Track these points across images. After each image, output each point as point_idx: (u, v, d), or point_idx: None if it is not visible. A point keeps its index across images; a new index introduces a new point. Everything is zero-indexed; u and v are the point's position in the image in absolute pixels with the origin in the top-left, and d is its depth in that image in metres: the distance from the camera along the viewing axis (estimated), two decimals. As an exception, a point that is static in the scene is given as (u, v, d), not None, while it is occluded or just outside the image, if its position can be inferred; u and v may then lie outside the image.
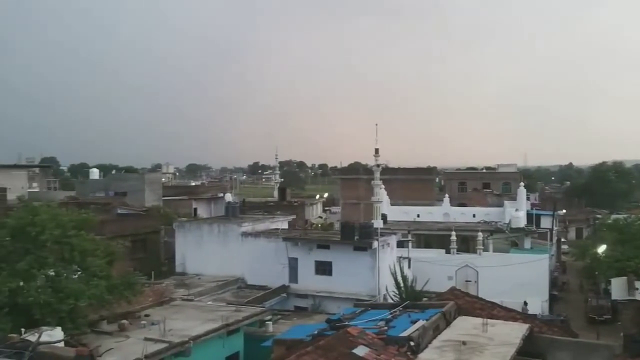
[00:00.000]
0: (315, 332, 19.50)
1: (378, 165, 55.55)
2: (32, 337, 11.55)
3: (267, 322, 27.70)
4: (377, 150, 54.98)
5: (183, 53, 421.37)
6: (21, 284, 20.60)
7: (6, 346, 6.85)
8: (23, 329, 17.32)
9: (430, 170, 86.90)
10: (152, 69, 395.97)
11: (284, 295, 37.67)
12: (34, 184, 70.85)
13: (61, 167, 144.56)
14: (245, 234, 40.88)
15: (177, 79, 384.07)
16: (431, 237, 57.42)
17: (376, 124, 53.35)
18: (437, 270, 42.52)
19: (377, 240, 36.54)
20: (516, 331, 19.33)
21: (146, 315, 25.03)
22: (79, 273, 23.44)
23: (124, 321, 23.34)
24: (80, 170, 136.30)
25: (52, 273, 22.05)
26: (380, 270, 36.04)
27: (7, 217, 24.18)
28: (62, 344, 16.59)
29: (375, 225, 41.35)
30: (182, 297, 30.54)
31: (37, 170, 78.87)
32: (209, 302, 30.63)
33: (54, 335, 17.21)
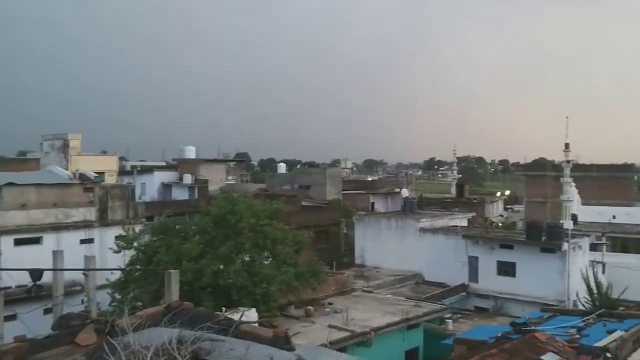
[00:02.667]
0: (499, 334, 18.73)
1: (568, 161, 51.35)
2: (232, 316, 12.62)
3: (446, 320, 27.32)
4: (567, 145, 50.85)
5: (360, 52, 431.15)
6: (221, 267, 22.74)
7: (213, 322, 7.52)
8: (224, 308, 19.11)
9: (628, 167, 78.20)
10: (331, 69, 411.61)
11: (464, 294, 36.79)
12: (230, 177, 77.51)
13: (252, 162, 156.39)
14: (423, 230, 40.66)
15: (355, 78, 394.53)
16: (629, 241, 51.77)
17: (566, 117, 49.44)
18: (636, 277, 38.26)
19: (568, 242, 33.98)
20: None
21: (330, 304, 26.11)
22: (270, 259, 25.25)
23: (310, 307, 24.59)
24: (269, 164, 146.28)
25: (248, 258, 24.01)
26: (570, 274, 33.46)
27: (211, 206, 26.87)
28: (256, 325, 17.98)
29: (565, 226, 38.43)
30: (362, 288, 31.34)
31: (232, 164, 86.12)
32: (388, 295, 31.05)
33: (250, 315, 18.71)
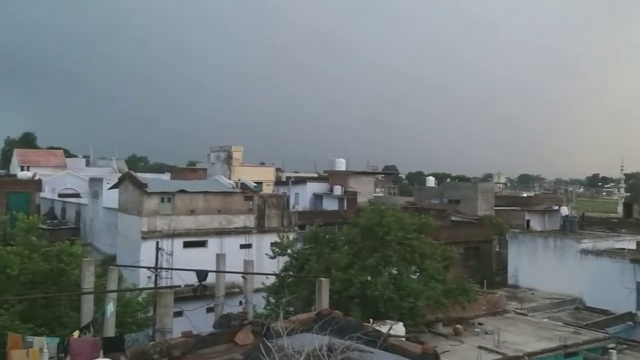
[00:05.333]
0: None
1: None
2: (380, 329, 12.74)
3: (610, 350, 24.97)
4: None
5: (514, 61, 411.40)
6: (369, 278, 22.99)
7: (362, 333, 7.65)
8: (371, 320, 19.30)
9: None
10: (478, 77, 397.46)
11: (630, 323, 33.32)
12: (378, 189, 78.10)
13: (400, 175, 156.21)
14: (584, 252, 37.65)
15: (507, 89, 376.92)
16: None
17: None
18: None
19: None
20: None
21: (480, 324, 25.22)
22: (417, 274, 25.03)
23: (459, 326, 23.94)
24: (417, 178, 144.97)
25: (395, 271, 24.03)
26: None
27: (359, 218, 27.34)
28: (404, 339, 17.92)
29: None
30: (516, 310, 29.81)
31: (380, 177, 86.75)
32: (544, 320, 29.19)
33: (397, 329, 18.71)
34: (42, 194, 49.07)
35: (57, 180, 57.60)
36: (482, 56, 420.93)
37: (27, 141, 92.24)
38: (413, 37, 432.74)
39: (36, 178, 49.91)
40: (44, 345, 12.69)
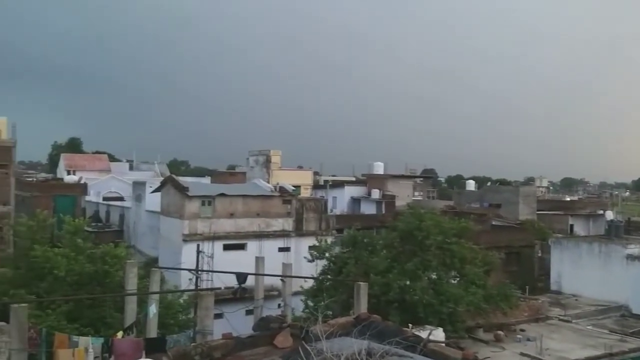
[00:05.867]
0: None
1: None
2: (419, 334, 12.64)
3: (659, 360, 24.16)
4: None
5: (558, 61, 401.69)
6: (408, 282, 22.83)
7: (401, 338, 7.62)
8: (410, 325, 19.15)
9: None
10: (522, 81, 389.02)
11: (680, 331, 32.16)
12: (416, 193, 77.46)
13: (439, 178, 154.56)
14: (630, 257, 36.54)
15: (550, 90, 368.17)
16: None
17: None
18: None
19: None
20: None
21: (522, 330, 24.76)
22: (457, 279, 24.73)
23: (500, 332, 23.55)
24: (456, 181, 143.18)
25: (434, 276, 23.79)
26: None
27: (397, 222, 27.19)
28: (444, 345, 17.73)
29: None
30: (559, 316, 29.12)
31: (419, 180, 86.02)
32: (588, 327, 28.42)
33: (437, 335, 18.49)
34: (87, 198, 50.53)
35: (101, 184, 59.16)
36: (523, 55, 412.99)
37: (73, 146, 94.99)
38: (451, 37, 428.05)
39: (82, 182, 51.41)
40: (89, 345, 13.00)
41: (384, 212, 53.03)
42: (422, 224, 24.32)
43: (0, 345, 4.23)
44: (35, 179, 58.48)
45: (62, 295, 19.67)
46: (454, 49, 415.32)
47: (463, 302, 22.18)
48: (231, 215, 34.38)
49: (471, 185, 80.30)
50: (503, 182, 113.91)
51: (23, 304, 12.34)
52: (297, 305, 23.63)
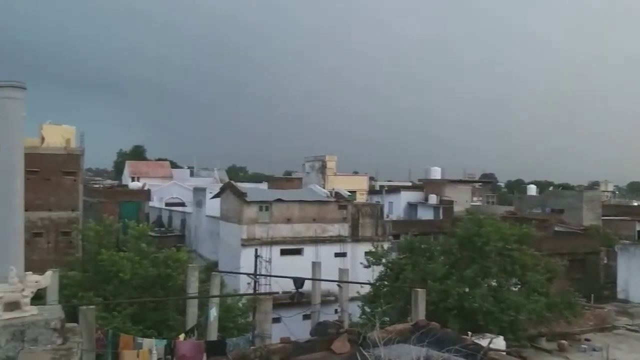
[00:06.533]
0: None
1: None
2: (479, 342, 12.44)
3: None
4: None
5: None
6: (467, 289, 22.44)
7: (461, 346, 7.51)
8: (469, 332, 18.80)
9: None
10: (580, 75, 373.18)
11: None
12: (475, 198, 76.02)
13: (498, 183, 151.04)
14: None
15: (613, 88, 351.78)
16: None
17: None
18: None
19: None
20: None
21: (587, 340, 23.89)
22: (518, 286, 24.11)
23: (564, 341, 22.82)
24: (517, 186, 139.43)
25: (494, 283, 23.29)
26: None
27: (456, 228, 26.78)
28: (504, 354, 17.31)
29: None
30: (626, 326, 27.90)
31: (477, 185, 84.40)
32: (659, 338, 27.08)
33: (497, 343, 18.10)
34: (150, 203, 52.19)
35: (164, 190, 60.99)
36: (587, 54, 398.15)
37: (137, 153, 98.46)
38: (509, 38, 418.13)
39: (145, 188, 53.16)
40: (153, 347, 13.41)
41: (441, 217, 52.32)
42: (482, 230, 23.89)
43: (73, 345, 4.47)
44: (101, 186, 60.92)
45: (127, 298, 20.37)
46: (513, 49, 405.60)
47: (524, 310, 21.61)
48: (288, 221, 34.75)
49: (532, 190, 78.07)
50: (566, 187, 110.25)
51: (91, 306, 12.91)
52: (354, 311, 23.60)
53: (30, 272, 4.77)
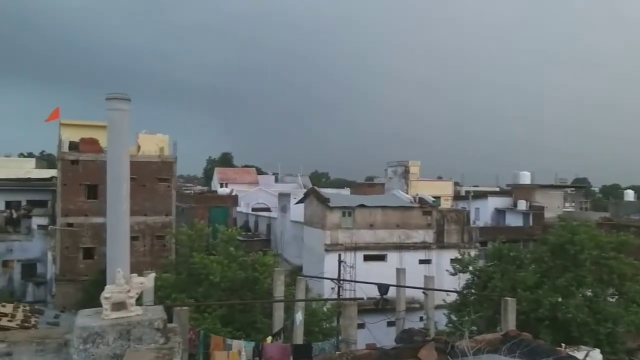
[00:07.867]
0: None
1: None
2: (574, 354, 11.92)
3: None
4: None
5: None
6: (560, 299, 21.46)
7: (555, 358, 7.23)
8: (563, 344, 17.97)
9: None
10: None
11: None
12: (567, 204, 72.57)
13: (592, 188, 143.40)
14: None
15: None
16: None
17: None
18: None
19: None
20: None
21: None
22: (616, 297, 22.80)
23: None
24: (612, 191, 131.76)
25: (590, 293, 22.13)
26: None
27: (547, 234, 25.69)
28: (601, 367, 16.44)
29: None
30: None
31: (570, 190, 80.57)
32: None
33: (593, 357, 17.20)
34: (238, 208, 53.86)
35: (250, 195, 62.72)
36: None
37: (226, 160, 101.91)
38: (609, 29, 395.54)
39: (233, 194, 54.93)
40: (242, 348, 13.85)
41: (531, 224, 50.36)
42: (575, 237, 22.80)
43: (174, 345, 4.73)
44: (192, 192, 63.46)
45: (217, 300, 21.13)
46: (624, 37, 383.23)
47: (623, 321, 20.40)
48: (371, 226, 34.73)
49: (630, 195, 73.44)
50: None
51: (185, 307, 13.53)
52: (439, 319, 23.22)
53: (135, 274, 5.10)
